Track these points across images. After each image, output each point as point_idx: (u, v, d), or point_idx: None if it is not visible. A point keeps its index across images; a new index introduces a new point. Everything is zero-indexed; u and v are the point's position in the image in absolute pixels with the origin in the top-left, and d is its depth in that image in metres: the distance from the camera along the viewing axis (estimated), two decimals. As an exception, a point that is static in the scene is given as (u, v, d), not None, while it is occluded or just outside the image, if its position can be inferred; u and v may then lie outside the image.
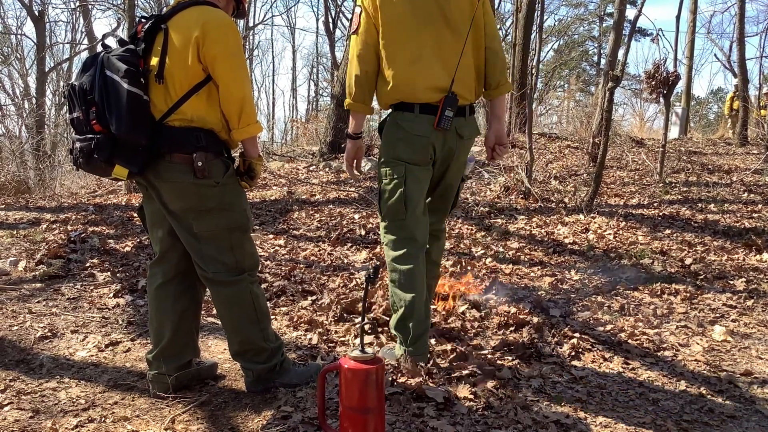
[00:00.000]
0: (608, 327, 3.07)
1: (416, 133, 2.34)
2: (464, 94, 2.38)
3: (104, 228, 5.19)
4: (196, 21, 2.05)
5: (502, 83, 2.47)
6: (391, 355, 2.49)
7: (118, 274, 3.94)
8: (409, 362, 2.36)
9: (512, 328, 2.96)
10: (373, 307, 3.13)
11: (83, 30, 21.97)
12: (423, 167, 2.40)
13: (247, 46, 26.60)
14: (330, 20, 21.81)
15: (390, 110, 2.45)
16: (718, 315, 3.30)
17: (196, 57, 2.05)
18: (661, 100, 7.56)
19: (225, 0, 2.27)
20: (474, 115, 2.49)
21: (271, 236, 5.02)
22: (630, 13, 11.51)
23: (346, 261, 4.31)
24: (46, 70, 19.27)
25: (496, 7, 21.84)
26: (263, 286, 3.61)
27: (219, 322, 2.84)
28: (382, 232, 2.49)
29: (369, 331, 2.84)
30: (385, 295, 3.36)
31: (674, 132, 12.50)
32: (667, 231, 5.12)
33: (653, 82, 7.27)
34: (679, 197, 6.55)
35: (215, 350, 2.82)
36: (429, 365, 2.42)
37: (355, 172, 2.62)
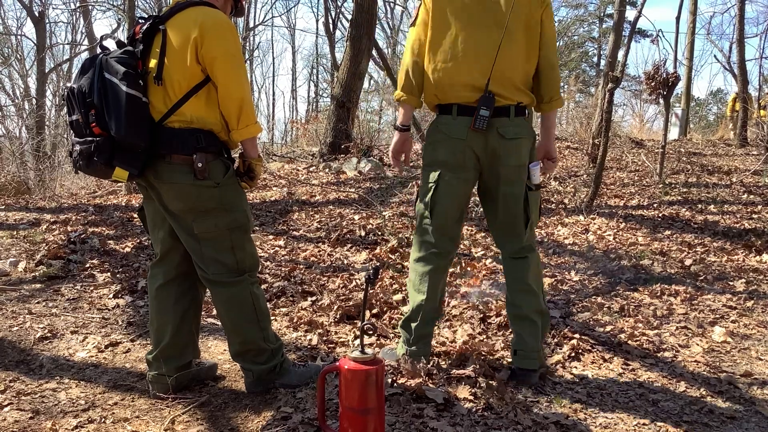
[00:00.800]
0: (608, 328, 3.07)
1: (454, 135, 2.28)
2: (504, 93, 2.27)
3: (104, 229, 5.19)
4: (194, 22, 2.05)
5: (555, 98, 2.39)
6: (392, 355, 2.50)
7: (117, 275, 3.94)
8: (409, 363, 2.36)
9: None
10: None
11: (83, 31, 22.02)
12: (460, 175, 2.32)
13: (247, 47, 26.62)
14: (330, 21, 21.81)
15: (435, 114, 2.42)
16: (718, 316, 3.30)
17: (194, 58, 2.05)
18: (661, 101, 7.56)
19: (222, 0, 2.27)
20: (524, 117, 2.35)
21: (271, 237, 5.02)
22: (630, 14, 11.52)
23: (346, 262, 4.31)
24: (46, 70, 19.29)
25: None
26: (263, 286, 3.61)
27: (219, 323, 2.84)
28: (415, 232, 2.50)
29: (369, 332, 2.84)
30: (384, 298, 3.36)
31: (674, 133, 12.50)
32: (667, 232, 5.12)
33: (653, 83, 7.27)
34: (679, 198, 6.55)
35: (215, 351, 2.82)
36: (429, 366, 2.41)
37: (403, 165, 2.51)
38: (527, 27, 2.29)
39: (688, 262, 4.26)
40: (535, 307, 2.38)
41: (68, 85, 2.10)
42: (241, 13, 2.42)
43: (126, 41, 2.16)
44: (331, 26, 21.71)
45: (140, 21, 2.16)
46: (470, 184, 2.37)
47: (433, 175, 2.33)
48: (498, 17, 2.25)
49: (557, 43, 2.69)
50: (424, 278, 2.37)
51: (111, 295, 3.57)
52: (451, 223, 2.38)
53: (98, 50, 2.14)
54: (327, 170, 8.52)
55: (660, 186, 7.15)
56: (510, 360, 2.61)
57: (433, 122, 2.40)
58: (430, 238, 2.38)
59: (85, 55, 20.83)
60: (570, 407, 2.27)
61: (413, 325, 2.40)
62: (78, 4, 19.88)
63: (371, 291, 3.32)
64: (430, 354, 2.49)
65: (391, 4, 27.29)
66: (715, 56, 42.94)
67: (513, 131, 2.28)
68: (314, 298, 3.48)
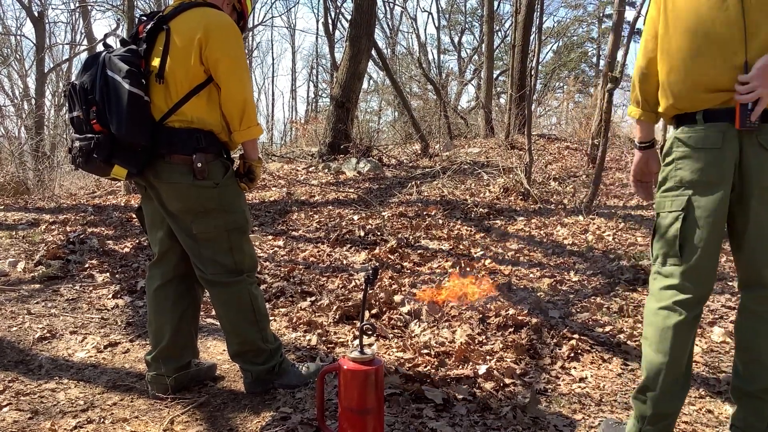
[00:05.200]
0: (607, 328, 3.07)
1: (702, 145, 1.79)
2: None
3: (103, 229, 5.18)
4: (199, 22, 2.06)
5: None
6: (617, 431, 2.03)
7: (117, 275, 3.93)
8: None
9: (511, 330, 2.97)
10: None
11: (82, 31, 22.02)
12: (717, 195, 1.78)
13: (246, 47, 26.61)
14: (329, 21, 21.82)
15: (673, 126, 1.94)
16: (717, 316, 3.30)
17: (198, 58, 2.05)
18: (660, 101, 7.54)
19: (228, 8, 2.27)
20: None
21: (270, 237, 5.02)
22: (629, 14, 11.53)
23: (345, 262, 4.31)
24: (46, 71, 19.27)
25: (495, 9, 21.91)
26: (262, 287, 3.61)
27: (218, 323, 2.84)
28: (651, 275, 1.96)
29: (368, 333, 2.84)
30: (385, 299, 3.36)
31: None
32: (666, 232, 5.11)
33: (652, 84, 7.25)
34: (678, 198, 6.54)
35: (214, 351, 2.82)
36: (427, 368, 2.41)
37: (646, 192, 2.08)
38: None
39: (687, 262, 4.26)
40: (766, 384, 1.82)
41: (70, 81, 2.10)
42: (243, 30, 2.37)
43: (129, 40, 2.16)
44: (330, 26, 21.72)
45: (144, 19, 2.16)
46: (727, 206, 1.81)
47: (679, 202, 1.82)
48: None
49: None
50: (667, 334, 1.81)
51: (110, 296, 3.57)
52: (708, 262, 1.82)
53: (100, 48, 2.14)
54: (326, 170, 8.52)
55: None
56: (509, 360, 2.61)
57: (670, 138, 1.90)
58: (676, 281, 1.84)
59: (84, 56, 20.86)
60: (569, 408, 2.27)
61: (651, 395, 1.84)
62: (77, 5, 19.90)
63: (370, 291, 3.32)
64: None
65: (391, 5, 27.32)
66: (714, 57, 42.75)
67: None
68: (313, 298, 3.48)
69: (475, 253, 4.51)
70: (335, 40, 22.48)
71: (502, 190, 6.68)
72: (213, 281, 2.21)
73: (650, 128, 2.01)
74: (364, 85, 16.65)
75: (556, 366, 2.64)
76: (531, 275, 4.04)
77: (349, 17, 11.92)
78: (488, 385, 2.35)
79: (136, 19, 2.21)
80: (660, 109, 1.93)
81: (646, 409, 1.86)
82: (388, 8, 27.27)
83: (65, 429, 2.06)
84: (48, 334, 2.94)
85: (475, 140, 11.51)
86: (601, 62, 23.31)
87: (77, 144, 2.04)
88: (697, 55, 1.78)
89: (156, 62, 2.07)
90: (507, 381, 2.43)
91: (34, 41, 19.14)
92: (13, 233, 4.88)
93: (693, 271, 1.82)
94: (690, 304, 1.82)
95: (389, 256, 4.38)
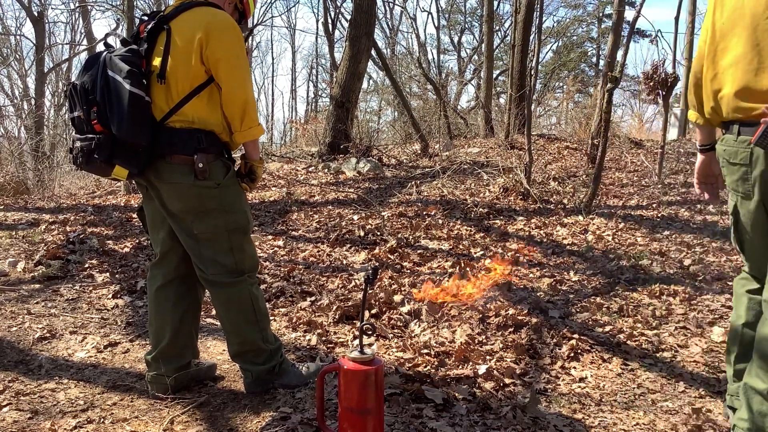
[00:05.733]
0: (607, 328, 3.08)
1: (733, 160, 1.86)
2: None
3: (103, 229, 5.19)
4: (200, 22, 2.05)
5: None
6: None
7: (116, 275, 3.94)
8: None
9: (511, 329, 2.97)
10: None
11: (82, 31, 22.04)
12: (751, 204, 1.86)
13: (246, 47, 26.57)
14: (329, 21, 21.84)
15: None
16: (716, 316, 3.30)
17: (199, 58, 2.05)
18: (660, 101, 7.56)
19: (230, 8, 2.27)
20: None
21: (270, 237, 5.02)
22: (629, 14, 11.54)
23: (345, 262, 4.31)
24: (45, 70, 19.27)
25: (495, 9, 21.92)
26: (262, 287, 3.61)
27: (218, 323, 2.85)
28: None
29: (368, 333, 2.84)
30: (384, 299, 3.36)
31: (673, 133, 12.49)
32: (666, 232, 5.12)
33: (652, 83, 7.27)
34: (678, 198, 6.55)
35: (214, 351, 2.82)
36: (427, 368, 2.41)
37: (706, 195, 2.15)
38: None
39: (687, 262, 4.26)
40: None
41: (71, 81, 2.10)
42: (245, 29, 2.38)
43: (130, 39, 2.16)
44: (330, 26, 21.74)
45: (144, 19, 2.16)
46: (762, 212, 1.86)
47: (731, 206, 1.98)
48: None
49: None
50: (741, 299, 2.05)
51: (110, 296, 3.57)
52: (764, 258, 1.95)
53: (100, 48, 2.14)
54: (326, 170, 8.52)
55: (659, 186, 7.15)
56: (509, 360, 2.61)
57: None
58: (747, 269, 2.06)
59: (84, 55, 20.85)
60: (569, 407, 2.27)
61: (733, 354, 2.05)
62: (77, 5, 19.90)
63: (370, 291, 3.32)
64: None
65: (391, 5, 27.33)
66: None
67: None
68: (313, 298, 3.48)
69: (475, 253, 4.51)
70: (335, 40, 22.50)
71: (501, 190, 6.68)
72: (214, 281, 2.21)
73: (710, 131, 2.09)
74: (364, 85, 16.67)
75: (556, 366, 2.64)
76: (531, 275, 4.04)
77: (349, 17, 11.92)
78: (488, 385, 2.36)
79: (137, 19, 2.21)
80: (705, 114, 2.00)
81: (730, 369, 2.08)
82: (387, 8, 27.31)
83: (65, 429, 2.06)
84: (48, 334, 2.94)
85: (475, 140, 11.52)
86: (601, 62, 23.31)
87: (78, 144, 2.04)
88: (738, 61, 1.80)
89: (157, 62, 2.07)
90: (507, 381, 2.43)
91: (34, 41, 19.14)
92: (13, 233, 4.88)
93: (755, 263, 2.00)
94: (759, 284, 2.00)
95: (389, 256, 4.38)
